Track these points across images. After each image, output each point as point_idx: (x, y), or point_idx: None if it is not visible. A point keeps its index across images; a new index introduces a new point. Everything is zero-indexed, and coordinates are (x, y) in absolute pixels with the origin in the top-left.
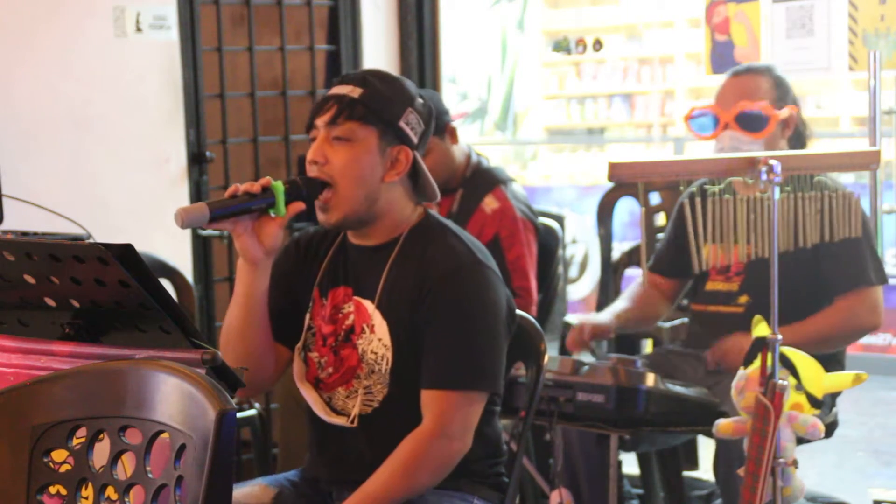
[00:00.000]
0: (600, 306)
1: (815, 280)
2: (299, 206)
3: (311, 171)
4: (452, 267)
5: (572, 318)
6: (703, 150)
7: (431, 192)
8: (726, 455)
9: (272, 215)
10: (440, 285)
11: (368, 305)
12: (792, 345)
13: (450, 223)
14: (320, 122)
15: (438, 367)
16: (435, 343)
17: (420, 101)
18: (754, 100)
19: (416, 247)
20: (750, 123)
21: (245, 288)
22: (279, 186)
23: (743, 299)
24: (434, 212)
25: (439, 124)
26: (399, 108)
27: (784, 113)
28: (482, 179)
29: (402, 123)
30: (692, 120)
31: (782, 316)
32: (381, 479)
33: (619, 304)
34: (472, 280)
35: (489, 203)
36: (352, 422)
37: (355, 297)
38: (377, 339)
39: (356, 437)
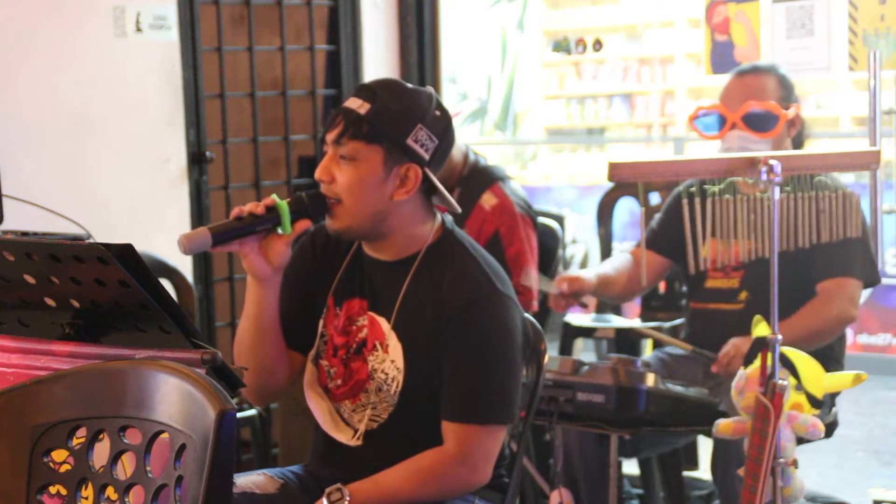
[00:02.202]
0: (600, 306)
1: (811, 278)
2: (306, 223)
3: (322, 189)
4: (471, 297)
5: (572, 317)
6: (702, 149)
7: (449, 207)
8: (724, 455)
9: (279, 233)
10: (459, 316)
11: (384, 324)
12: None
13: (468, 240)
14: (329, 138)
15: (460, 401)
16: (455, 375)
17: (435, 113)
18: (762, 99)
19: (435, 268)
20: (758, 123)
21: (255, 304)
22: (284, 206)
23: (743, 296)
24: (451, 224)
25: None
26: (407, 125)
27: (791, 112)
28: (479, 177)
29: (409, 141)
30: (697, 119)
31: (780, 314)
32: (396, 477)
33: (603, 269)
34: (492, 311)
35: (487, 200)
36: (357, 439)
37: (370, 312)
38: (390, 361)
39: (360, 450)
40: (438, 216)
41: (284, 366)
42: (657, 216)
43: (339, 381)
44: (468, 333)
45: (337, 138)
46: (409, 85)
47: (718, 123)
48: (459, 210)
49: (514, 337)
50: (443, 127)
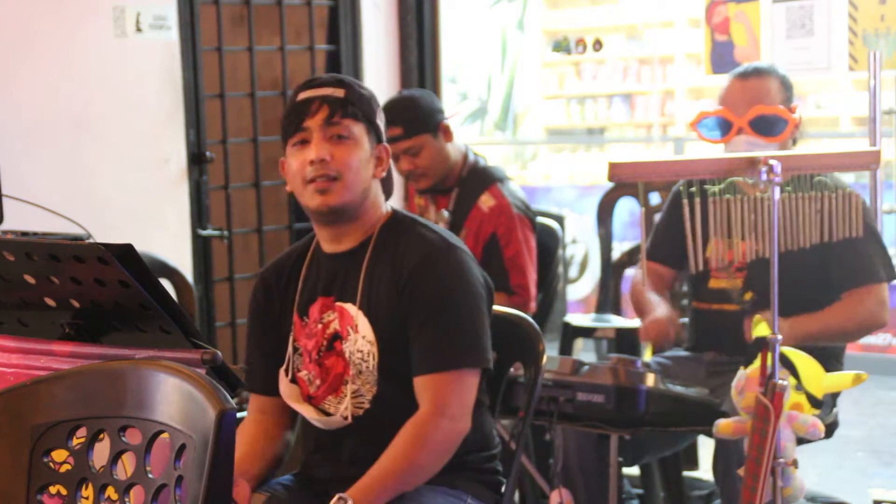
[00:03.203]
0: (600, 306)
1: (821, 278)
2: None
3: (317, 170)
4: (424, 254)
5: (572, 317)
6: (702, 149)
7: (389, 189)
8: (725, 455)
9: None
10: (415, 274)
11: (351, 308)
12: (802, 336)
13: (417, 217)
14: (313, 122)
15: (427, 352)
16: (420, 330)
17: None
18: (768, 103)
19: (388, 243)
20: (766, 128)
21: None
22: None
23: (748, 296)
24: (400, 208)
25: (432, 122)
26: (375, 107)
27: (797, 116)
28: (478, 178)
29: (378, 122)
30: (701, 124)
31: (789, 313)
32: (384, 463)
33: (654, 298)
34: (445, 263)
35: (485, 201)
36: (345, 418)
37: (337, 304)
38: (362, 338)
39: (350, 436)
40: (387, 205)
41: (291, 432)
42: (657, 225)
43: (318, 382)
44: (426, 289)
45: (328, 119)
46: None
47: (724, 128)
48: (392, 193)
49: (471, 283)
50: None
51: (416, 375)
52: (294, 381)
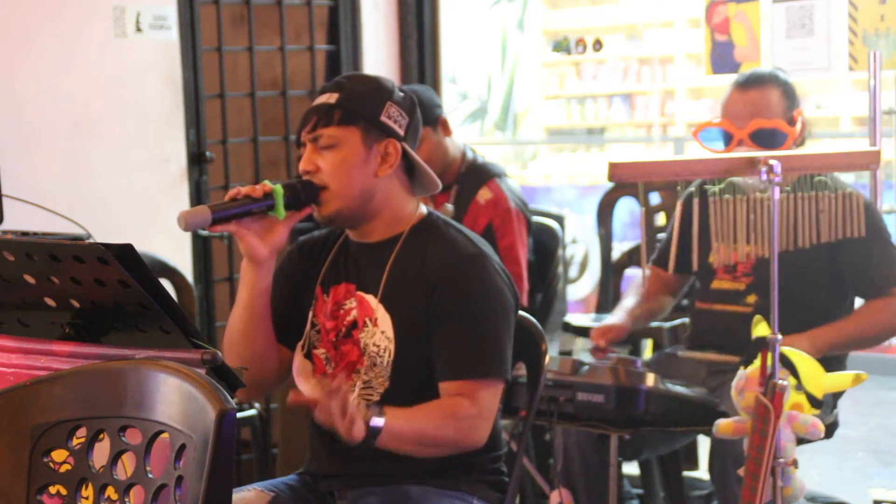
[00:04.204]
0: (600, 306)
1: (830, 282)
2: (306, 210)
3: (308, 181)
4: (456, 258)
5: (572, 317)
6: (702, 150)
7: (431, 183)
8: (721, 455)
9: (273, 216)
10: (446, 277)
11: (371, 300)
12: (827, 348)
13: (451, 220)
14: (304, 135)
15: (455, 358)
16: (447, 335)
17: (400, 94)
18: (768, 116)
19: (418, 242)
20: (766, 140)
21: (249, 289)
22: (279, 190)
23: (751, 299)
24: (435, 211)
25: (431, 117)
26: (377, 103)
27: (798, 127)
28: (477, 174)
29: (383, 118)
30: (703, 133)
31: (802, 317)
32: (422, 410)
33: (629, 301)
34: (475, 270)
35: (483, 194)
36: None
37: (358, 293)
38: (380, 332)
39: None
40: (423, 206)
41: (274, 357)
42: (666, 233)
43: (333, 364)
44: (456, 294)
45: (311, 130)
46: (370, 74)
47: (724, 139)
48: (440, 186)
49: (502, 295)
50: (409, 105)
51: (442, 381)
52: (309, 356)
